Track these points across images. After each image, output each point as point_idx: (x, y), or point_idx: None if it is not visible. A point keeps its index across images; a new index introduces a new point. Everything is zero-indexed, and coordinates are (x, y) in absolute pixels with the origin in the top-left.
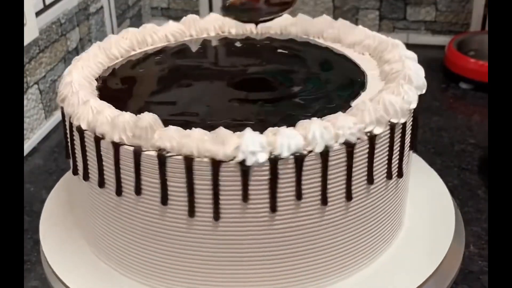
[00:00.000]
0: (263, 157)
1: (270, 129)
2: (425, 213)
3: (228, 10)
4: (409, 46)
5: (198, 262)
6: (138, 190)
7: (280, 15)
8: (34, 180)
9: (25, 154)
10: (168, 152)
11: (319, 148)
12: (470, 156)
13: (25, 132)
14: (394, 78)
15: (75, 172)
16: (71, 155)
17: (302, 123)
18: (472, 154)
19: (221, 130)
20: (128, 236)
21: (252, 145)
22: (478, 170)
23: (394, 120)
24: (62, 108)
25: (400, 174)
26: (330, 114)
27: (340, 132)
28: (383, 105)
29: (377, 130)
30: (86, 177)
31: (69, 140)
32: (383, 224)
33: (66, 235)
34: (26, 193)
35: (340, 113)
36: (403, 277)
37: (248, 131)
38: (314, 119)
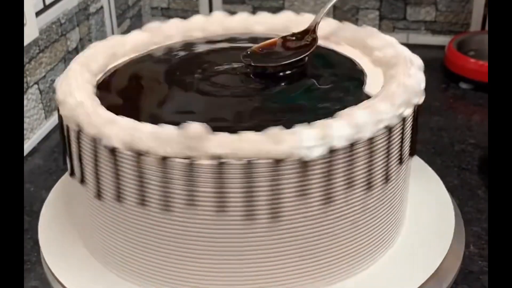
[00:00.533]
0: (319, 151)
1: (318, 122)
2: (424, 214)
3: (248, 57)
4: (409, 46)
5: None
6: (191, 202)
7: (300, 58)
8: (34, 180)
9: (25, 154)
10: (223, 159)
11: (368, 134)
12: (470, 156)
13: (25, 132)
14: (394, 63)
15: (98, 195)
16: (94, 175)
17: (344, 112)
18: (472, 154)
19: (273, 129)
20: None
21: (308, 140)
22: (478, 170)
23: (415, 102)
24: (66, 128)
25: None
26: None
27: (383, 117)
28: (404, 87)
29: (406, 112)
30: (118, 197)
31: (85, 157)
32: (384, 225)
33: (65, 237)
34: (26, 193)
35: (376, 97)
36: (402, 278)
37: (300, 127)
38: (355, 107)
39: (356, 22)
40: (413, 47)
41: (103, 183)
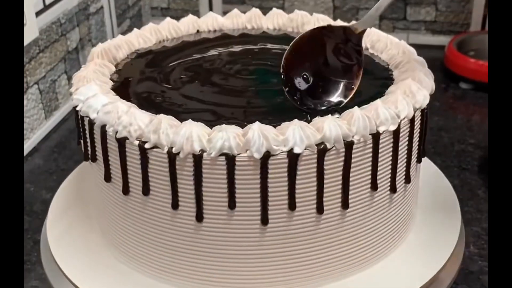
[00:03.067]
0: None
1: (315, 120)
2: (431, 216)
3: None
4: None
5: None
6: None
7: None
8: (34, 180)
9: (25, 154)
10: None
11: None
12: (470, 156)
13: (25, 132)
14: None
15: (107, 179)
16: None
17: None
18: (472, 154)
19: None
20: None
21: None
22: (478, 170)
23: (417, 106)
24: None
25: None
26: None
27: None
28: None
29: (409, 115)
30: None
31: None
32: (391, 227)
33: (76, 234)
34: (26, 193)
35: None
36: (403, 279)
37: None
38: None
39: None
40: (413, 47)
41: (131, 180)
